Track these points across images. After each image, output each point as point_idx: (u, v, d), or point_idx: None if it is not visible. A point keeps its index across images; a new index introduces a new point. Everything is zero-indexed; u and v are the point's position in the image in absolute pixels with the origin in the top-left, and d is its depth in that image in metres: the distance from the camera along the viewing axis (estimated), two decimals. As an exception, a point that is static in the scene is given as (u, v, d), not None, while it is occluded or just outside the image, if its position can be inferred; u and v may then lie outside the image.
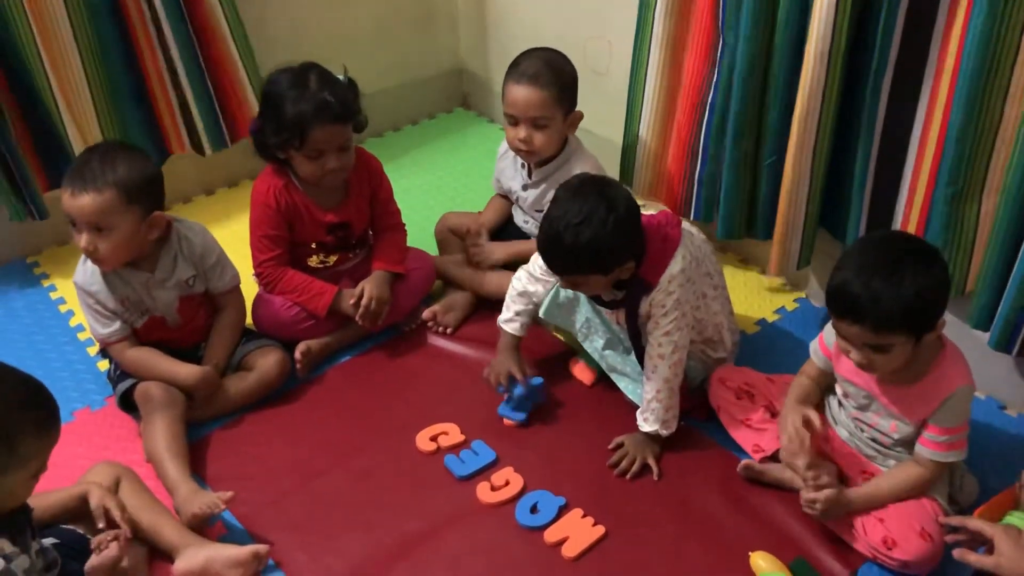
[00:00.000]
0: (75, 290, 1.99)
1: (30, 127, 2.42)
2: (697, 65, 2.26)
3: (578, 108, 2.24)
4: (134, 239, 1.92)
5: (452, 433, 2.00)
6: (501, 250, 2.34)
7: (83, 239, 1.89)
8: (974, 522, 1.58)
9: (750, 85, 2.14)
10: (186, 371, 2.00)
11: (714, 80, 2.23)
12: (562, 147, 2.25)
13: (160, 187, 1.97)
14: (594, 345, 2.06)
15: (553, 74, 2.15)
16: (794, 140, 2.09)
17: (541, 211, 2.28)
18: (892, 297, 1.53)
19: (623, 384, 2.05)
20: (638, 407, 1.95)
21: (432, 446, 1.98)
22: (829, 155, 2.11)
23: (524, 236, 2.39)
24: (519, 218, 2.41)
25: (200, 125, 2.64)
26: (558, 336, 2.28)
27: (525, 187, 2.30)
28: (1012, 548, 1.53)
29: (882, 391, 1.71)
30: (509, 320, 2.08)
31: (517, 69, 2.17)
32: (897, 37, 1.90)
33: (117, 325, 1.99)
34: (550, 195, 2.17)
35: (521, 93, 2.15)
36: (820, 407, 1.88)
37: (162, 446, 1.88)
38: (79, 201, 1.86)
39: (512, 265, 2.24)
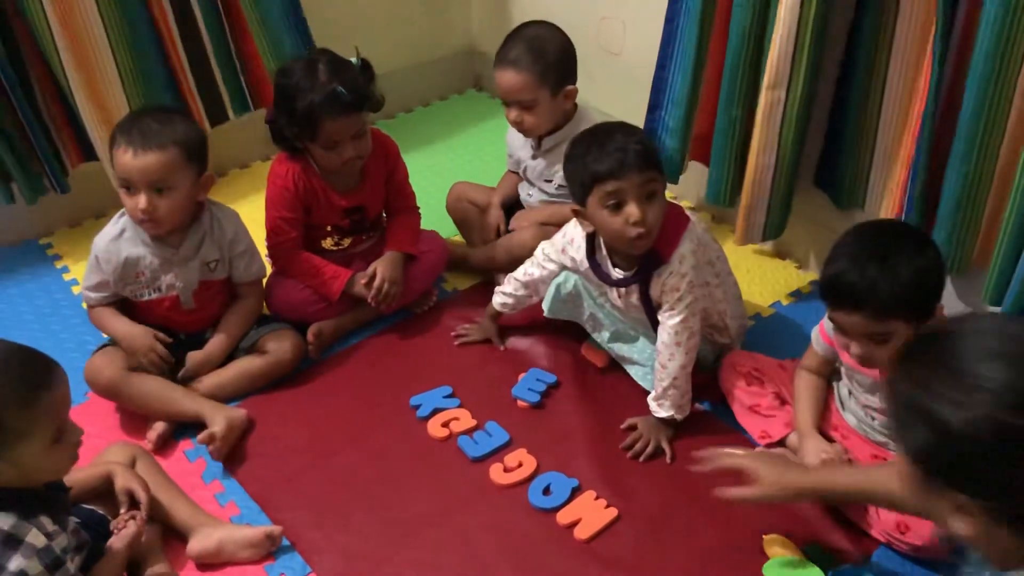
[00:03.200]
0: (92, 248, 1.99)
1: (61, 99, 2.42)
2: (721, 37, 2.24)
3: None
4: (189, 199, 1.95)
5: (463, 419, 2.00)
6: (528, 222, 2.32)
7: (142, 200, 1.88)
8: (727, 459, 1.59)
9: (741, 53, 2.13)
10: (126, 331, 2.00)
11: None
12: (568, 118, 2.24)
13: (208, 147, 1.99)
14: (601, 337, 2.07)
15: (534, 55, 2.13)
16: (761, 110, 2.09)
17: (549, 181, 2.29)
18: (889, 281, 1.52)
19: (634, 372, 2.05)
20: (649, 391, 1.95)
21: (444, 432, 1.97)
22: (800, 127, 2.10)
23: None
24: (524, 191, 2.40)
25: (223, 89, 2.63)
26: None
27: (534, 156, 2.30)
28: (770, 468, 1.54)
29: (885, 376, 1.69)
30: (501, 294, 2.14)
31: (500, 52, 2.17)
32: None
33: (106, 293, 2.02)
34: (556, 166, 2.17)
35: (503, 78, 2.16)
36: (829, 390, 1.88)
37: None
38: (143, 160, 1.85)
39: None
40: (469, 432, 1.97)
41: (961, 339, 1.07)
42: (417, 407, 2.03)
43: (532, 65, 2.12)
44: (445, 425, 1.98)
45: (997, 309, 1.90)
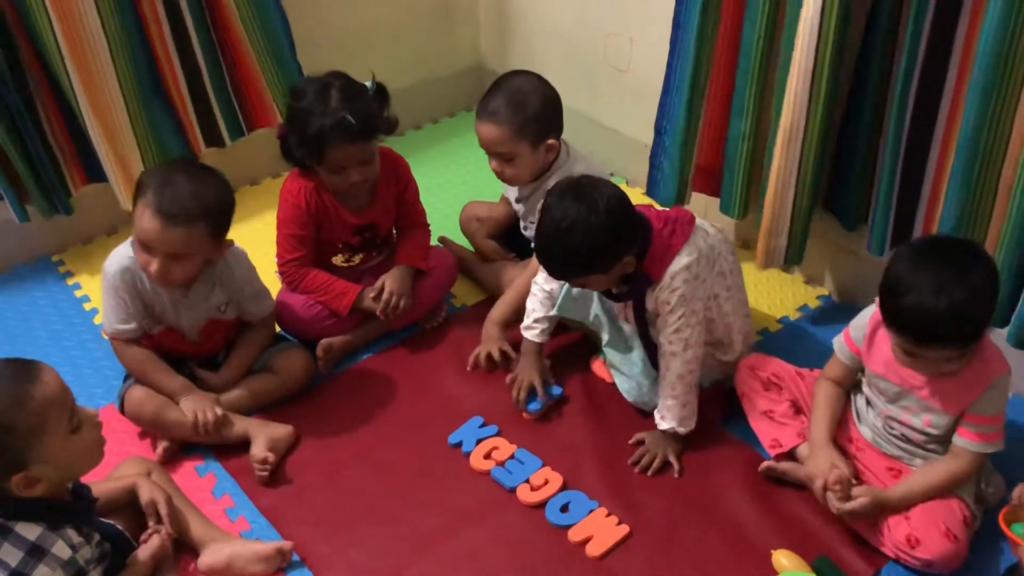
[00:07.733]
0: (102, 276, 1.93)
1: (66, 121, 2.43)
2: (726, 56, 2.24)
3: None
4: (205, 262, 1.93)
5: (502, 447, 1.97)
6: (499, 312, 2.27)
7: (155, 264, 1.83)
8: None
9: (753, 68, 2.14)
10: (179, 389, 1.97)
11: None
12: (548, 168, 2.20)
13: (233, 211, 1.94)
14: (601, 339, 2.08)
15: (513, 108, 2.09)
16: (780, 134, 2.08)
17: (534, 222, 2.29)
18: (977, 312, 1.53)
19: (619, 381, 2.06)
20: (631, 404, 1.99)
21: (488, 464, 1.93)
22: (820, 151, 2.09)
23: (528, 241, 2.38)
24: (523, 223, 2.41)
25: (218, 115, 2.64)
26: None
27: (518, 200, 2.31)
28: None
29: (919, 384, 1.68)
30: (529, 327, 2.10)
31: (481, 103, 2.14)
32: (925, 35, 1.87)
33: (133, 325, 1.95)
34: (536, 209, 2.17)
35: (481, 130, 2.13)
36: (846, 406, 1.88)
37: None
38: (170, 234, 1.80)
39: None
40: (501, 462, 1.94)
41: None
42: (457, 442, 2.00)
43: (511, 118, 2.09)
44: (487, 457, 1.95)
45: (1002, 331, 1.90)
